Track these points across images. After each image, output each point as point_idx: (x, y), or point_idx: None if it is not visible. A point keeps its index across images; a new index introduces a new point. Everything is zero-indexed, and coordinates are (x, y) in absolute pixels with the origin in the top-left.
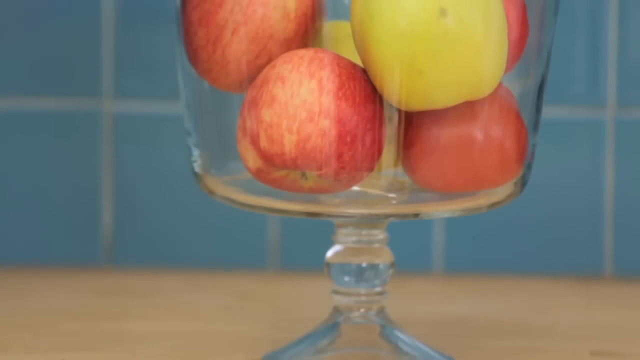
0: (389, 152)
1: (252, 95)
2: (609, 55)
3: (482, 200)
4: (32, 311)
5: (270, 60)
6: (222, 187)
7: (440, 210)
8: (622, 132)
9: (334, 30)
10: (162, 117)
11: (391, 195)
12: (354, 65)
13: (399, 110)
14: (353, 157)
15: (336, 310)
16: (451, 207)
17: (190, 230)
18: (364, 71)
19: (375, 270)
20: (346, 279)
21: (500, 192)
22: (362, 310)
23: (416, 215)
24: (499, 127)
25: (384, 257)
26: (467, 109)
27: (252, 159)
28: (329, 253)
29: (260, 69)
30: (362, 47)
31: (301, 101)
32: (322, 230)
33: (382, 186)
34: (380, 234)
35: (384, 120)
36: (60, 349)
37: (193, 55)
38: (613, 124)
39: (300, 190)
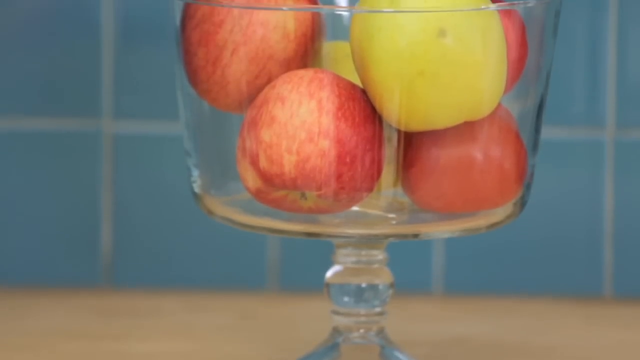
0: (388, 173)
1: (252, 115)
2: (608, 76)
3: (481, 220)
4: (31, 332)
5: (269, 80)
6: (221, 208)
7: (440, 230)
8: (622, 153)
9: (334, 50)
10: (162, 137)
11: (391, 215)
12: (354, 86)
13: (399, 131)
14: (352, 178)
15: (336, 331)
16: (451, 227)
17: (190, 250)
18: (364, 91)
19: (374, 290)
20: (346, 299)
21: (500, 213)
22: (361, 330)
23: (416, 235)
24: (498, 147)
25: (384, 278)
26: (466, 130)
27: (251, 179)
28: (329, 273)
29: (259, 89)
30: (361, 67)
31: (301, 121)
32: (321, 250)
33: (381, 206)
34: (379, 255)
35: (383, 141)
36: None
37: (192, 75)
38: (612, 144)
39: (299, 210)
